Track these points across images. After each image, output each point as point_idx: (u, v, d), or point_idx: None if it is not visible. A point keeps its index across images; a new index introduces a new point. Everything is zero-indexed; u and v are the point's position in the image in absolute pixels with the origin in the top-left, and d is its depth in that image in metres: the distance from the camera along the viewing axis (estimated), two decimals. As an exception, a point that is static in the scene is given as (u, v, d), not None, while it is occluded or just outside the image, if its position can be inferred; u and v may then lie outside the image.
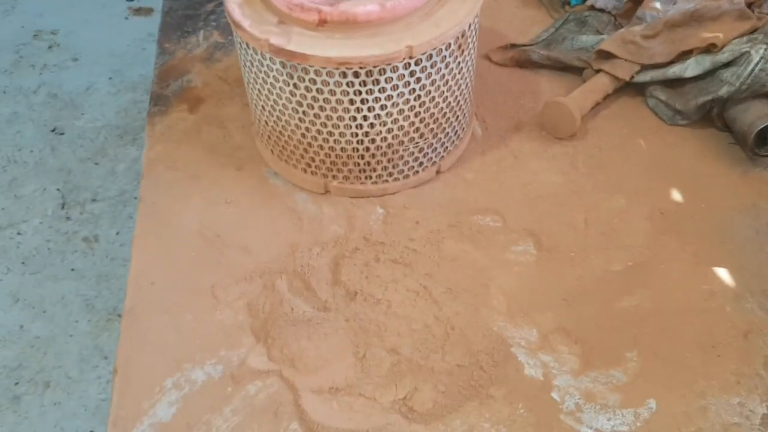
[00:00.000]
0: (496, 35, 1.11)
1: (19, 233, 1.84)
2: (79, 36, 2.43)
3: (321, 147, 0.84)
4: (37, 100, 2.20)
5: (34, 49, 2.39)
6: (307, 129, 0.82)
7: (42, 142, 2.07)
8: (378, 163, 0.85)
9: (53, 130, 2.11)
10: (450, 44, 0.78)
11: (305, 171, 0.88)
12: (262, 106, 0.85)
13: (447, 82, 0.82)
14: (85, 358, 1.59)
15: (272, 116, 0.85)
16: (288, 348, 0.74)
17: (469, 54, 0.83)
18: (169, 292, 0.80)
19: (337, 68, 0.75)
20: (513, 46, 1.07)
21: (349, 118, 0.80)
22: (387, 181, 0.88)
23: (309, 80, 0.77)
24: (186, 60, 1.09)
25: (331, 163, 0.85)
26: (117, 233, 1.84)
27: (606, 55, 0.98)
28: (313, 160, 0.86)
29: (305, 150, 0.85)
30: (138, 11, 2.51)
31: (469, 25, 0.80)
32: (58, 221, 1.88)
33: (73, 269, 1.76)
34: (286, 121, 0.83)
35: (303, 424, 0.68)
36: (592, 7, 1.10)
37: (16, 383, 1.55)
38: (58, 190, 1.94)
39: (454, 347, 0.74)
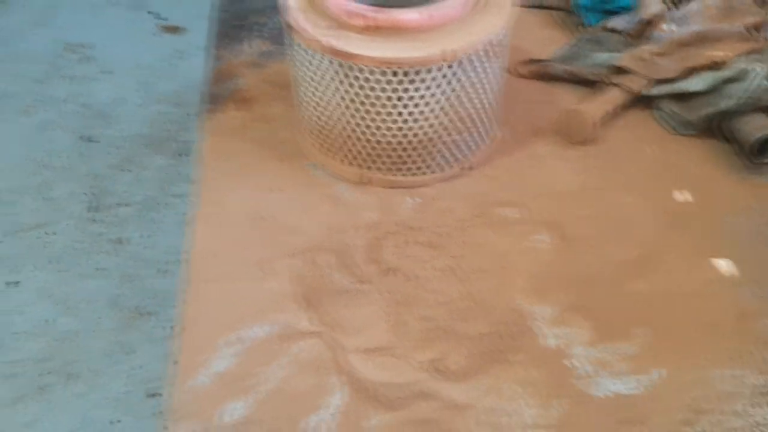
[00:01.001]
0: (520, 51, 1.19)
1: (47, 233, 1.89)
2: (110, 50, 2.49)
3: (359, 140, 0.92)
4: (68, 109, 2.25)
5: (65, 61, 2.45)
6: (348, 123, 0.91)
7: (72, 149, 2.12)
8: (411, 156, 0.94)
9: (82, 138, 2.17)
10: (481, 52, 0.87)
11: (344, 162, 0.97)
12: (310, 102, 0.94)
13: (476, 85, 0.91)
14: (108, 353, 1.63)
15: (319, 111, 0.93)
16: (329, 315, 0.82)
17: (497, 62, 0.92)
18: (224, 264, 0.87)
19: (381, 67, 0.84)
20: (534, 61, 1.16)
21: (388, 114, 0.89)
22: (419, 174, 0.96)
23: (357, 78, 0.86)
24: (236, 65, 1.18)
25: (368, 155, 0.94)
26: (141, 236, 1.90)
27: (620, 70, 1.07)
28: (352, 152, 0.95)
29: (345, 142, 0.94)
30: (167, 29, 2.60)
31: (499, 37, 0.89)
32: (85, 223, 1.93)
33: (98, 269, 1.81)
34: (332, 115, 0.92)
35: (342, 377, 0.76)
36: (606, 28, 1.19)
37: (41, 374, 1.60)
38: (86, 194, 2.00)
39: (477, 319, 0.81)
